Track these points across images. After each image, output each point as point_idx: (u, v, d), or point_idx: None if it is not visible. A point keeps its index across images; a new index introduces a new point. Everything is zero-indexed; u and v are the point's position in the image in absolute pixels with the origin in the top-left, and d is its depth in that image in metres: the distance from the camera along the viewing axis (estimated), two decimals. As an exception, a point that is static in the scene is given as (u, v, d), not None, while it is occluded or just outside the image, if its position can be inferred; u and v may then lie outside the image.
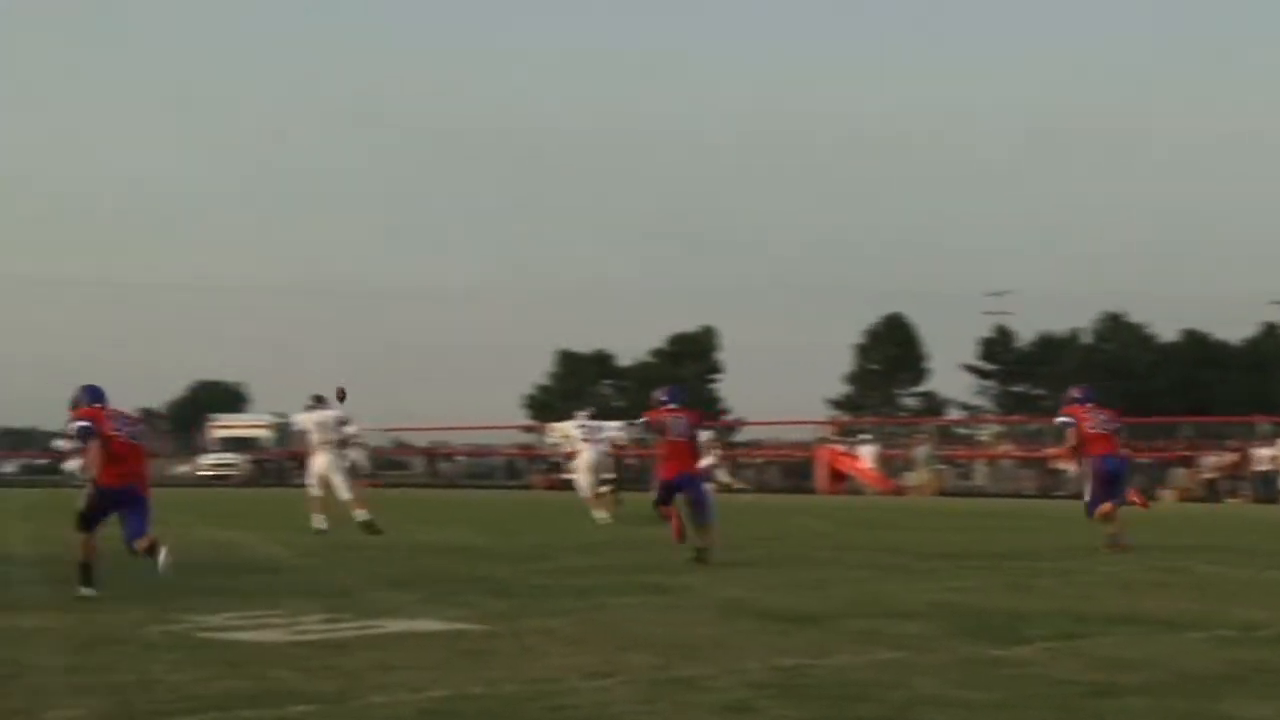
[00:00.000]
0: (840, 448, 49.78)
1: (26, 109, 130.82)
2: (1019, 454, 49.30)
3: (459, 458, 61.02)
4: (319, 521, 20.24)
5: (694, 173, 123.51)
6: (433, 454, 60.90)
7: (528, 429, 65.09)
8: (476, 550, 17.07)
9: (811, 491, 45.76)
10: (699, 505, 15.80)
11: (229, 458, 56.93)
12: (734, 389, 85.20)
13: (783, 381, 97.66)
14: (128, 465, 12.07)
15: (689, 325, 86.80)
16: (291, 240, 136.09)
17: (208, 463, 56.49)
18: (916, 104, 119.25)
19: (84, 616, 10.17)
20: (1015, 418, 63.73)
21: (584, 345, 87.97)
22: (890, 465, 47.88)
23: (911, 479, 46.11)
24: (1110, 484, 17.33)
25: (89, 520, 12.03)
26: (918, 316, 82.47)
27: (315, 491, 20.60)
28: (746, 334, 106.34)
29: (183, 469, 61.50)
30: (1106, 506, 17.17)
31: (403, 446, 64.66)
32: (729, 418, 74.04)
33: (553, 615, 10.29)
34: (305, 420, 21.21)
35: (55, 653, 8.51)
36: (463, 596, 11.53)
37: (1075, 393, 18.19)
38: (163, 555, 11.87)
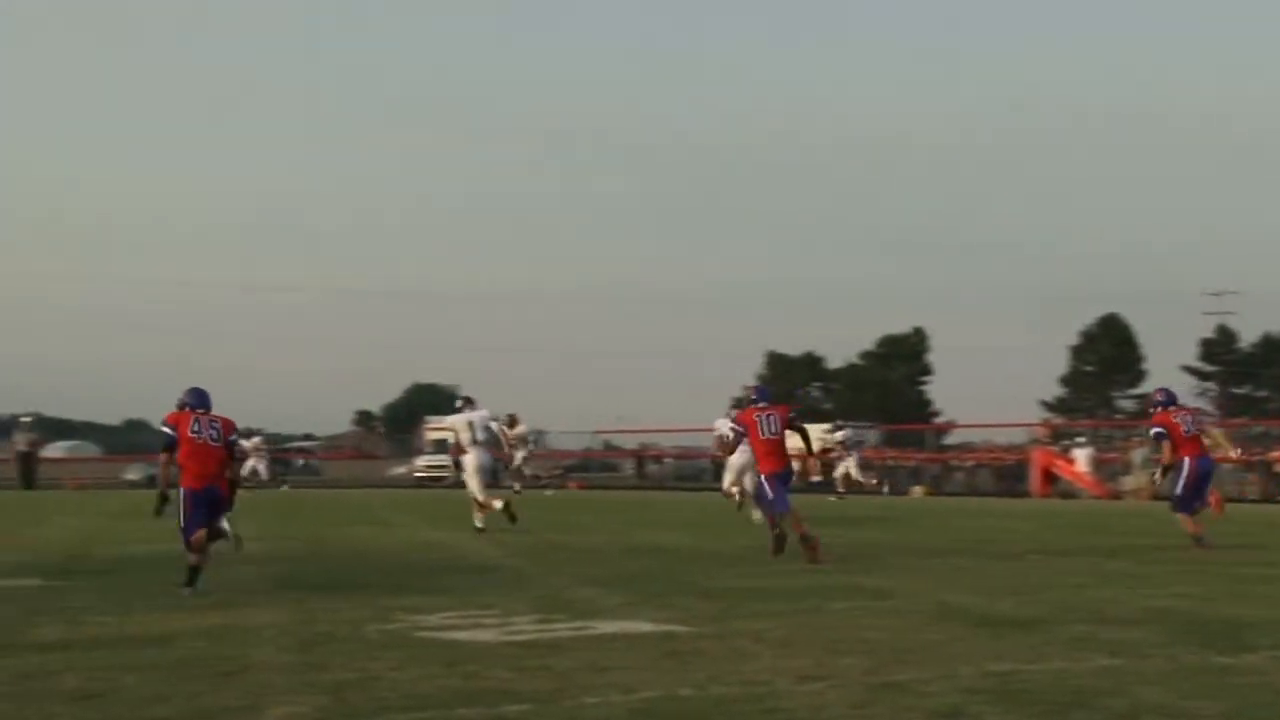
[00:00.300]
0: (1054, 450, 48.69)
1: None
2: (1241, 458, 47.60)
3: (666, 460, 61.26)
4: (481, 520, 20.68)
5: (904, 175, 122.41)
6: (641, 456, 61.25)
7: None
8: (685, 552, 17.10)
9: (1024, 495, 44.86)
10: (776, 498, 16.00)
11: (443, 459, 58.03)
12: (944, 391, 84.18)
13: (994, 383, 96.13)
14: (206, 468, 12.68)
15: (899, 327, 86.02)
16: (508, 247, 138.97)
17: (422, 464, 57.60)
18: (1138, 100, 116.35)
19: (306, 615, 10.45)
20: (1237, 421, 61.58)
21: (793, 347, 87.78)
22: (1106, 469, 46.67)
23: (1128, 483, 44.84)
24: (1201, 485, 17.63)
25: (187, 527, 12.54)
26: (1135, 317, 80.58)
27: (475, 492, 20.91)
28: (957, 336, 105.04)
29: (399, 470, 62.94)
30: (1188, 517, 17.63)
31: (612, 449, 65.20)
32: (939, 420, 72.98)
33: (763, 618, 10.25)
34: (454, 421, 21.56)
35: (279, 650, 8.76)
36: (672, 598, 11.56)
37: (1159, 396, 18.33)
38: (210, 550, 12.75)
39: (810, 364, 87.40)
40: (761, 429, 16.06)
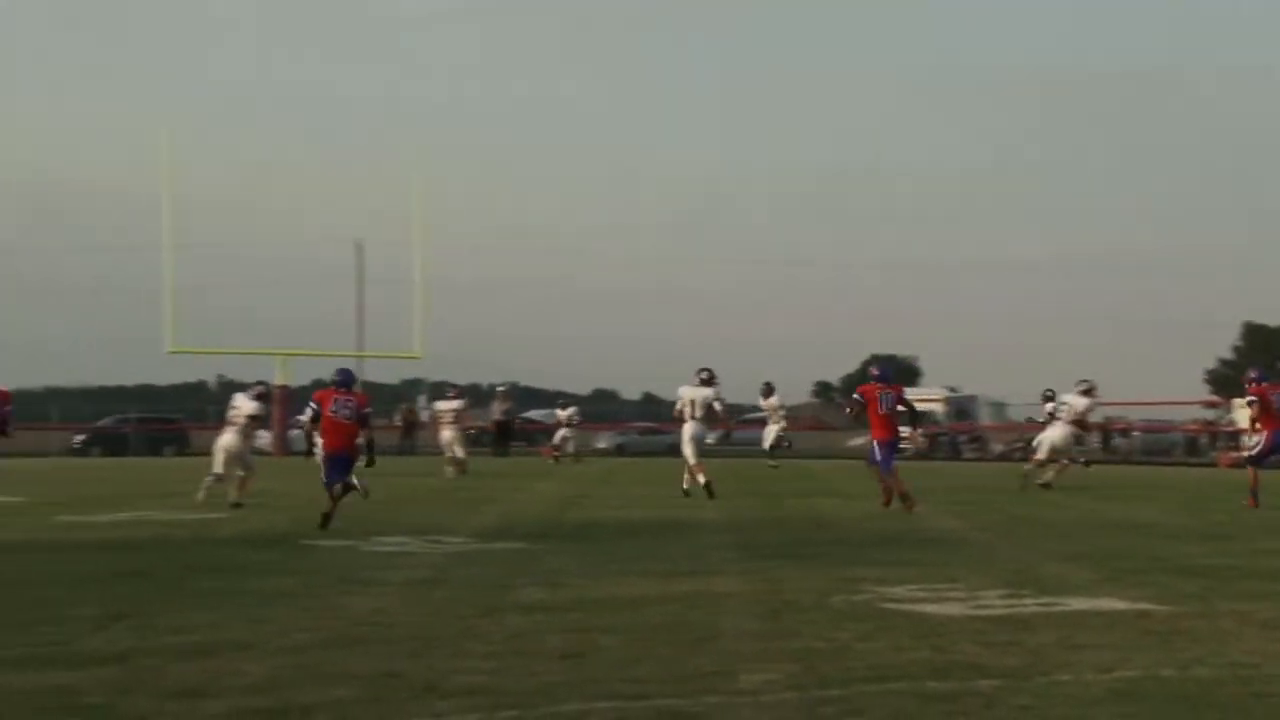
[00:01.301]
0: None
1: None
2: None
3: (1134, 433, 59.00)
4: (687, 483, 22.32)
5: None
6: (1108, 429, 59.23)
7: (1209, 404, 62.02)
8: (1160, 528, 16.43)
9: None
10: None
11: (900, 430, 57.77)
12: None
13: None
14: (336, 438, 16.32)
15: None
16: (970, 215, 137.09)
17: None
18: None
19: (772, 584, 10.60)
20: None
21: (1274, 318, 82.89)
22: None
23: None
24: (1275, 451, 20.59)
25: (329, 479, 16.23)
26: None
27: (690, 458, 22.25)
28: None
29: (858, 442, 62.95)
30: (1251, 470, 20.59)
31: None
32: None
33: (1247, 598, 9.74)
34: (683, 391, 22.55)
35: (746, 618, 8.92)
36: (1147, 575, 11.13)
37: (1252, 373, 21.31)
38: (350, 494, 16.21)
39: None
40: (881, 404, 19.80)
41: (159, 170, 50.19)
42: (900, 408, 20.12)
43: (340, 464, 16.23)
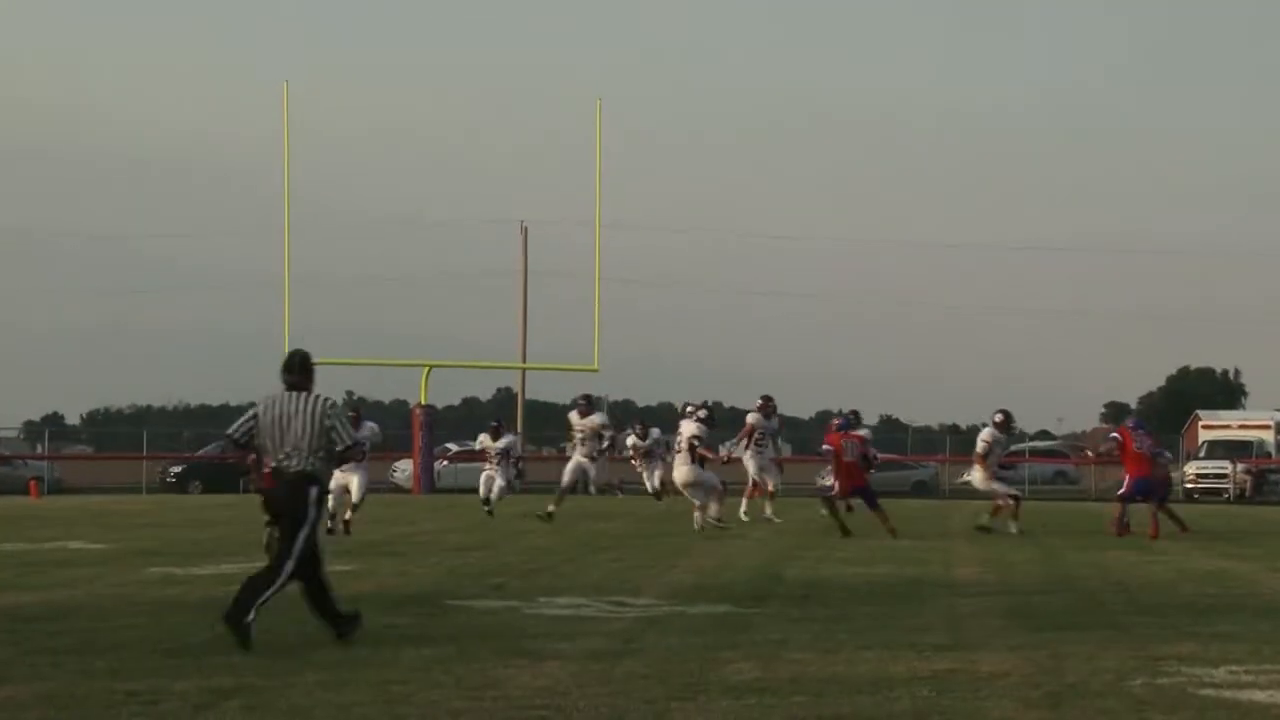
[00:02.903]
0: None
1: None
2: None
3: None
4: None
5: None
6: None
7: None
8: None
9: None
10: None
11: (1220, 466, 56.54)
12: None
13: None
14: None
15: None
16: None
17: (1193, 471, 56.36)
18: None
19: (1052, 661, 10.47)
20: None
21: None
22: None
23: None
24: None
25: None
26: None
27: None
28: None
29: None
30: None
31: None
32: None
33: None
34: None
35: (1018, 705, 8.84)
36: None
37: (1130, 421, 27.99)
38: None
39: None
40: (845, 453, 25.97)
41: (276, 135, 51.29)
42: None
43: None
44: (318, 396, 12.24)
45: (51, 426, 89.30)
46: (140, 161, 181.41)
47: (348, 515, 24.97)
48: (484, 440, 31.18)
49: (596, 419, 31.29)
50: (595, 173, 50.71)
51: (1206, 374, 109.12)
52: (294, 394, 12.23)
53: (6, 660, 10.64)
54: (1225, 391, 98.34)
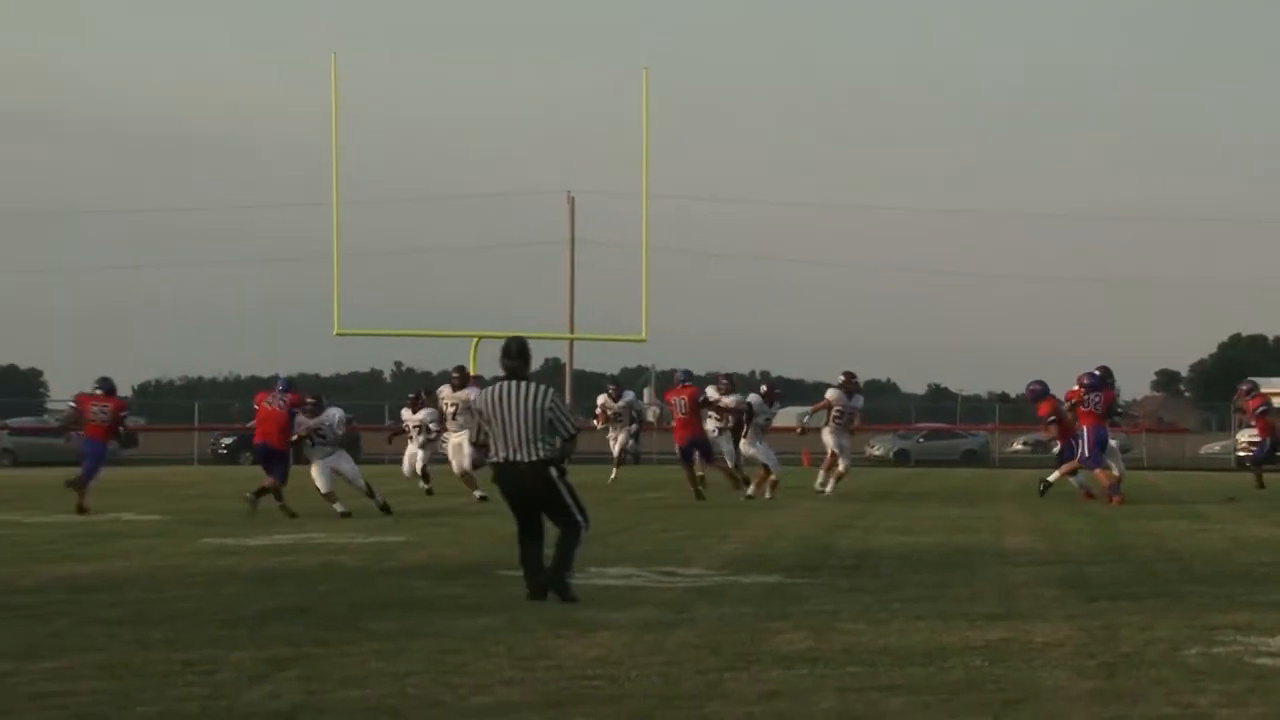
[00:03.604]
0: None
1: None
2: None
3: None
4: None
5: None
6: None
7: None
8: None
9: None
10: None
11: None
12: None
13: None
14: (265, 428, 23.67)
15: None
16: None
17: (1245, 440, 56.13)
18: None
19: (1105, 631, 10.44)
20: None
21: None
22: None
23: None
24: None
25: None
26: None
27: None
28: None
29: (1213, 448, 61.71)
30: None
31: None
32: None
33: None
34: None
35: (1071, 674, 8.81)
36: None
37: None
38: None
39: None
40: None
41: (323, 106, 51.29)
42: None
43: (273, 459, 23.41)
44: (539, 386, 12.44)
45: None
46: (189, 136, 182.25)
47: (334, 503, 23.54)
48: (405, 415, 28.96)
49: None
50: (643, 142, 50.57)
51: (1258, 341, 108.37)
52: (513, 383, 12.46)
53: (63, 630, 10.73)
54: (1278, 358, 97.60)
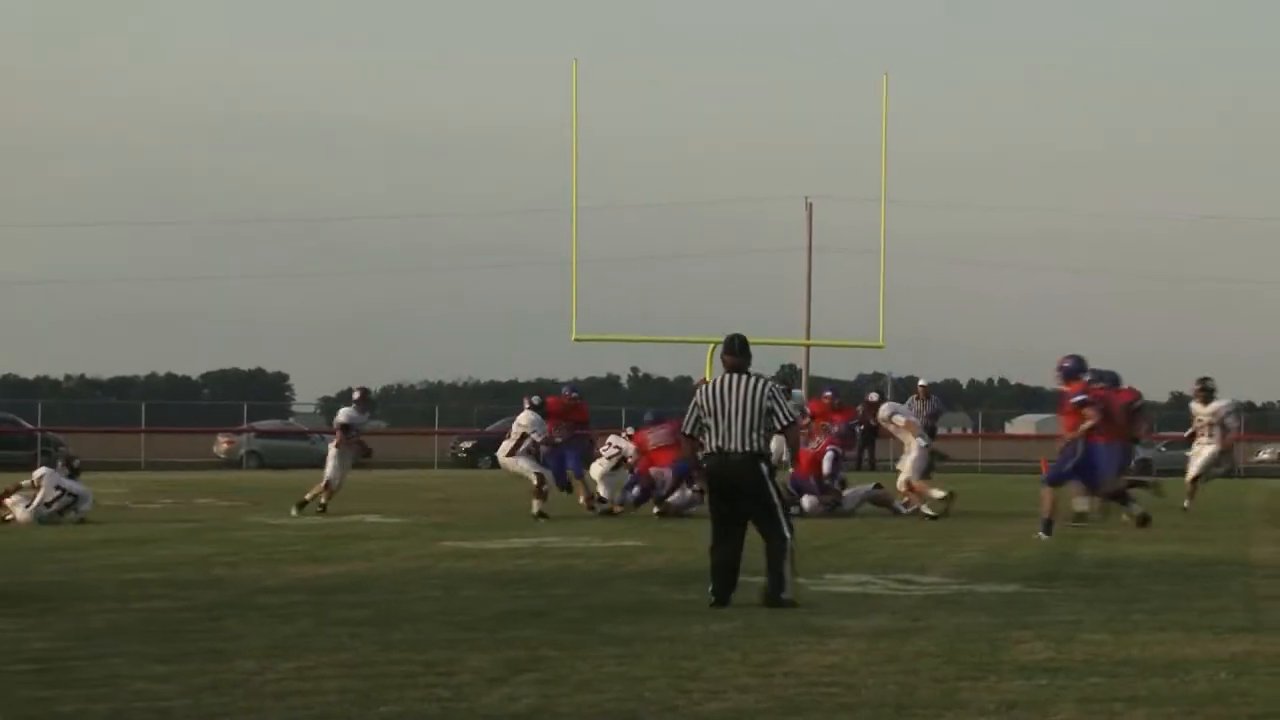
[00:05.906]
0: None
1: None
2: None
3: None
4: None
5: None
6: None
7: None
8: None
9: None
10: None
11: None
12: None
13: None
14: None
15: None
16: None
17: None
18: None
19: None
20: None
21: None
22: None
23: None
24: None
25: None
26: None
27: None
28: None
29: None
30: None
31: None
32: None
33: None
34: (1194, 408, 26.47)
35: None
36: None
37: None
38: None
39: None
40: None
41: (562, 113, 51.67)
42: None
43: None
44: (758, 377, 12.74)
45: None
46: (433, 143, 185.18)
47: (318, 496, 24.38)
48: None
49: None
50: (881, 148, 50.24)
51: None
52: (734, 376, 12.75)
53: (308, 631, 10.96)
54: None
